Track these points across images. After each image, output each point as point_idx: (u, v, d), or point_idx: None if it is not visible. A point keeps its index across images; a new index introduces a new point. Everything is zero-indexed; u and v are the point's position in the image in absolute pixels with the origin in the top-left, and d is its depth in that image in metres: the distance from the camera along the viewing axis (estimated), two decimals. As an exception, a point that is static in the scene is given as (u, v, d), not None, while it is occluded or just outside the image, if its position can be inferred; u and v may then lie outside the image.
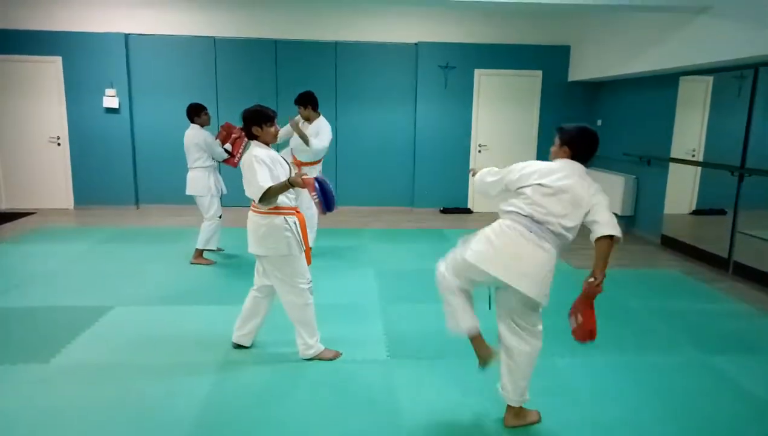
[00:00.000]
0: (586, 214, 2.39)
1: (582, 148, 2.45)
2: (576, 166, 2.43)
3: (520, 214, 2.39)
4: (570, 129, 2.48)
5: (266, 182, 2.91)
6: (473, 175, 2.85)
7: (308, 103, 5.03)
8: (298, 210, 3.13)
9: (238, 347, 3.30)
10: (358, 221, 7.25)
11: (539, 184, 2.37)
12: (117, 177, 7.64)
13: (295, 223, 3.05)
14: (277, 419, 2.61)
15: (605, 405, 2.79)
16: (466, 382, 2.98)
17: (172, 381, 2.95)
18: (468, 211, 8.08)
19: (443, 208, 8.07)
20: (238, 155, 5.01)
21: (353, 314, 3.99)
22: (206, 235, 5.04)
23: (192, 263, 5.11)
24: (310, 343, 3.19)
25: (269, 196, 2.92)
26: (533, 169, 2.43)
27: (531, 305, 2.43)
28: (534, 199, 2.37)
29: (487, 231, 2.43)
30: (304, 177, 2.96)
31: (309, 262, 3.16)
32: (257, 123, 3.03)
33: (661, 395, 2.90)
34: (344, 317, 3.91)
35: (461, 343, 3.48)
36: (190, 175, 5.02)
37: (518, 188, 2.44)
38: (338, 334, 3.60)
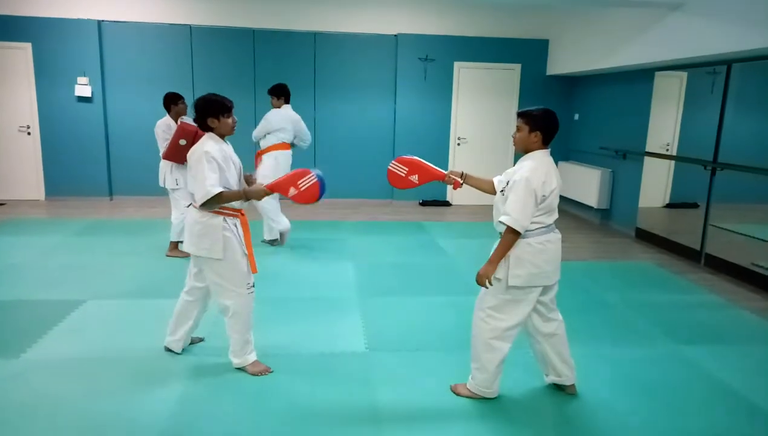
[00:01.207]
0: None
1: (553, 131, 2.53)
2: (548, 157, 2.56)
3: (542, 226, 2.53)
4: (538, 114, 2.50)
5: (214, 187, 2.64)
6: (451, 183, 2.83)
7: (282, 94, 5.31)
8: (243, 212, 2.88)
9: (169, 350, 3.13)
10: (336, 213, 7.22)
11: (551, 191, 2.49)
12: (90, 168, 7.47)
13: (235, 224, 2.81)
14: (254, 410, 2.59)
15: (580, 396, 2.82)
16: (445, 374, 2.99)
17: (145, 375, 2.90)
18: (447, 203, 8.10)
19: (422, 200, 8.09)
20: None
21: (332, 306, 3.98)
22: (177, 227, 4.97)
23: (167, 256, 5.03)
24: (238, 353, 2.92)
25: (216, 202, 2.69)
26: (542, 179, 2.45)
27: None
28: (551, 206, 2.53)
29: (525, 256, 2.50)
30: (268, 184, 2.75)
31: (254, 270, 2.87)
32: (214, 114, 2.74)
33: (635, 385, 2.95)
34: (323, 310, 3.89)
35: (440, 336, 3.51)
36: (160, 164, 4.92)
37: (540, 206, 2.51)
38: (316, 327, 3.59)
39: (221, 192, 2.67)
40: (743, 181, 4.89)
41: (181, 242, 5.05)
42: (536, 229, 2.51)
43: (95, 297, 3.98)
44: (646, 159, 6.22)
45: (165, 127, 4.83)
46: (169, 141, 4.71)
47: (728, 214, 5.14)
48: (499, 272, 2.54)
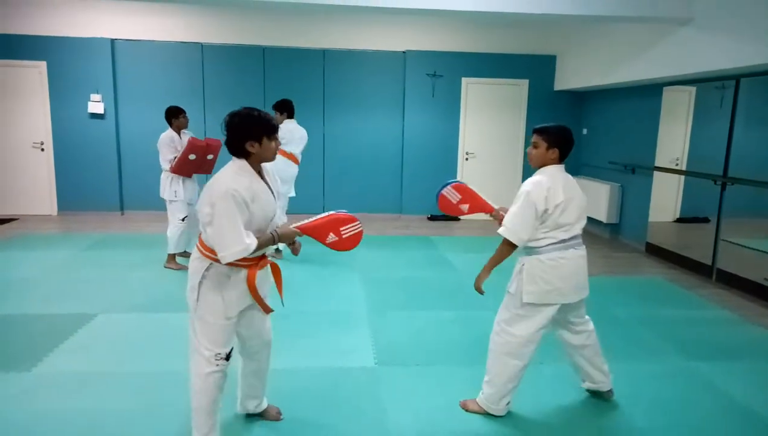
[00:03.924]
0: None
1: (569, 148, 2.55)
2: (561, 172, 2.56)
3: (554, 242, 2.51)
4: (555, 130, 2.53)
5: (240, 243, 2.00)
6: (498, 219, 2.71)
7: (284, 109, 5.39)
8: (260, 258, 2.22)
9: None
10: (345, 228, 7.21)
11: (556, 206, 2.47)
12: (101, 183, 7.56)
13: (228, 276, 2.15)
14: (261, 427, 2.58)
15: (591, 412, 2.79)
16: (454, 389, 2.97)
17: (155, 391, 2.90)
18: (455, 218, 8.10)
19: (431, 215, 8.08)
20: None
21: (340, 321, 3.97)
22: (172, 240, 5.06)
23: (165, 267, 5.12)
24: None
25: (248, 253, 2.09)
26: (545, 193, 2.45)
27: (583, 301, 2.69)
28: (559, 221, 2.49)
29: (536, 272, 2.50)
30: (301, 226, 2.28)
31: (267, 310, 2.33)
32: (257, 136, 2.09)
33: (647, 402, 2.92)
34: (331, 324, 3.89)
35: (448, 351, 3.50)
36: (161, 177, 5.06)
37: (544, 222, 2.51)
38: (325, 341, 3.58)
39: (256, 242, 2.10)
40: (754, 196, 4.85)
41: (179, 253, 5.20)
42: (547, 244, 2.50)
43: (106, 311, 4.00)
44: (656, 173, 6.20)
45: (168, 141, 4.94)
46: (177, 155, 4.84)
47: (739, 228, 5.10)
48: (512, 287, 2.58)
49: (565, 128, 2.55)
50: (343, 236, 2.38)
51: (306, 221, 2.35)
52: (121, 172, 7.63)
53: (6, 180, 7.46)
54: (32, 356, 3.25)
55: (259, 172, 2.20)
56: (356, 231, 2.39)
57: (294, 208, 5.74)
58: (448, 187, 2.89)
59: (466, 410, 2.75)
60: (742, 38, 4.42)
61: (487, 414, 2.71)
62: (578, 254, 2.56)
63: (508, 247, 2.51)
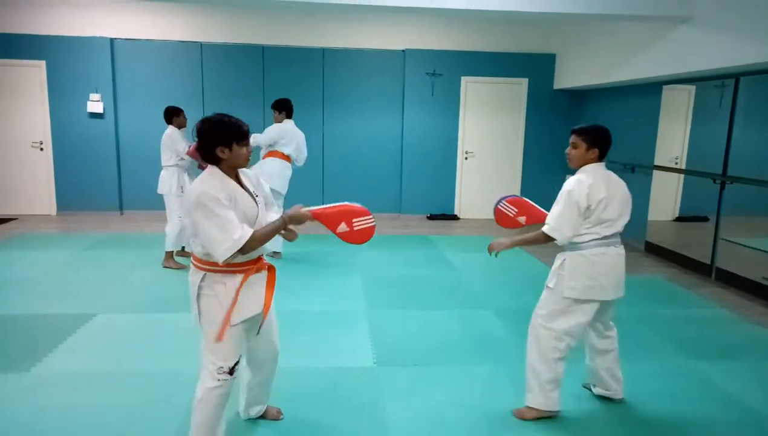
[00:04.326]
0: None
1: (608, 146, 2.60)
2: (602, 169, 2.59)
3: (597, 238, 2.53)
4: (594, 130, 2.58)
5: (227, 240, 1.96)
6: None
7: (283, 108, 5.32)
8: (256, 261, 2.18)
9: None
10: (345, 227, 7.21)
11: (599, 202, 2.49)
12: (101, 182, 7.55)
13: (224, 284, 2.10)
14: (260, 427, 2.58)
15: (592, 411, 2.79)
16: (453, 389, 2.97)
17: (154, 390, 2.90)
18: (454, 217, 8.10)
19: (430, 214, 8.08)
20: None
21: (340, 320, 3.97)
22: (170, 237, 5.08)
23: (164, 267, 5.13)
24: None
25: (247, 250, 2.03)
26: (586, 191, 2.49)
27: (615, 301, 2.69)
28: (602, 217, 2.51)
29: (579, 267, 2.53)
30: (313, 210, 2.22)
31: (265, 315, 2.26)
32: (226, 142, 2.05)
33: (647, 401, 2.92)
34: (331, 324, 3.89)
35: (448, 350, 3.50)
36: (161, 174, 5.10)
37: (588, 218, 2.53)
38: (325, 341, 3.58)
39: (253, 234, 2.03)
40: (753, 195, 4.85)
41: (178, 251, 5.24)
42: (590, 240, 2.53)
43: (105, 311, 4.00)
44: (655, 172, 6.20)
45: (177, 136, 5.02)
46: (190, 144, 4.97)
47: (739, 227, 5.10)
48: (551, 282, 2.60)
49: (603, 128, 2.60)
50: (355, 228, 2.33)
51: (319, 207, 2.30)
52: (120, 171, 7.62)
53: (5, 179, 7.45)
54: (32, 355, 3.25)
55: (237, 178, 2.18)
56: (368, 225, 2.36)
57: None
58: (504, 202, 2.96)
59: (524, 419, 2.68)
60: (742, 37, 4.42)
61: (489, 416, 2.70)
62: (618, 252, 2.60)
63: (545, 238, 2.56)
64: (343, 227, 2.32)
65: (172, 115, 5.08)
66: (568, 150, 2.64)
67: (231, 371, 2.16)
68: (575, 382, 3.01)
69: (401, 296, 4.55)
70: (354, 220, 2.33)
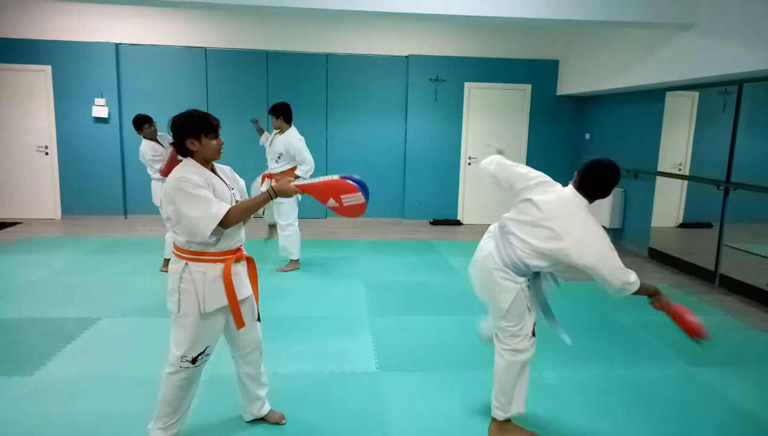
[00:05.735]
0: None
1: (587, 177, 2.38)
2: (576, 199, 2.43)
3: None
4: (587, 160, 2.42)
5: (206, 216, 2.08)
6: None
7: (280, 113, 5.00)
8: (236, 251, 2.28)
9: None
10: (347, 232, 7.24)
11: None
12: (105, 187, 7.59)
13: (203, 273, 2.19)
14: (263, 431, 2.59)
15: (594, 418, 2.79)
16: (455, 394, 2.97)
17: (155, 395, 2.90)
18: (458, 223, 8.10)
19: (433, 220, 8.09)
20: None
21: (342, 326, 3.97)
22: (169, 245, 5.08)
23: (161, 271, 5.13)
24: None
25: (227, 224, 2.15)
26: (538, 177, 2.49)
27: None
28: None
29: None
30: (300, 184, 2.30)
31: (239, 325, 2.30)
32: (195, 134, 2.18)
33: (650, 408, 2.91)
34: (333, 329, 3.89)
35: (451, 356, 3.49)
36: (151, 184, 5.18)
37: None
38: (327, 346, 3.58)
39: (231, 209, 2.15)
40: (757, 201, 4.84)
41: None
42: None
43: (109, 315, 4.02)
44: (659, 178, 6.20)
45: (152, 151, 5.00)
46: (164, 160, 4.94)
47: (742, 234, 5.09)
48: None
49: (596, 159, 2.44)
50: (344, 204, 2.38)
51: (308, 181, 2.37)
52: (124, 176, 7.66)
53: (10, 184, 7.49)
54: (35, 359, 3.26)
55: (213, 171, 2.30)
56: (357, 202, 2.38)
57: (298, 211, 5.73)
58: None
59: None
60: (745, 43, 4.43)
61: (489, 420, 2.69)
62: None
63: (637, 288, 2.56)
64: (332, 202, 2.39)
65: (143, 124, 4.98)
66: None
67: (194, 361, 2.28)
68: (571, 391, 3.00)
69: (404, 301, 4.56)
70: (342, 196, 2.37)
